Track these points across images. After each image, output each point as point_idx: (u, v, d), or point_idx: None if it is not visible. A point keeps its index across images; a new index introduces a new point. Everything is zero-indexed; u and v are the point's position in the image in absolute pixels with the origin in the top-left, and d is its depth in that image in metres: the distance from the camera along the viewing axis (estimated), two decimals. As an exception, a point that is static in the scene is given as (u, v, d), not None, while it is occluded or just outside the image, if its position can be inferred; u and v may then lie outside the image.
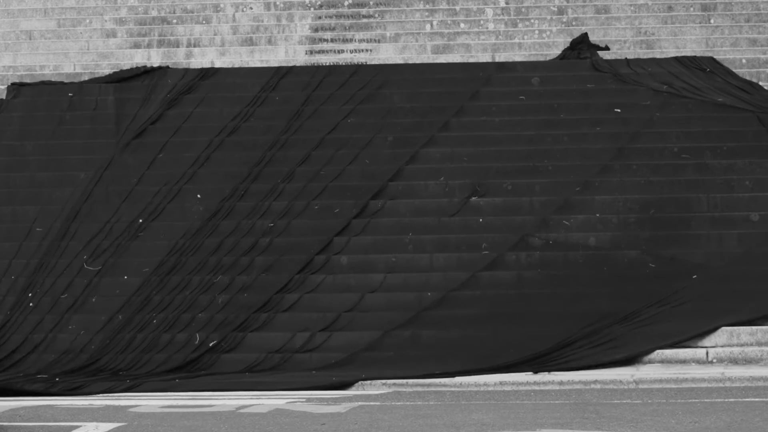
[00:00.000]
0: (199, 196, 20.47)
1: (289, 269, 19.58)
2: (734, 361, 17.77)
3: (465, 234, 19.96)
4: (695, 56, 22.69)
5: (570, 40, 23.92)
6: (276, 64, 23.66)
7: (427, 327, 18.70)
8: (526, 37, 24.29)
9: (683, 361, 17.82)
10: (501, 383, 16.78)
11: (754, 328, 18.15)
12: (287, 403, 15.37)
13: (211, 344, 18.43)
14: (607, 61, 22.57)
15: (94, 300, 19.44)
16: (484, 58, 23.51)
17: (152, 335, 18.76)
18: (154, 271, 19.65)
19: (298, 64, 23.50)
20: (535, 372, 17.24)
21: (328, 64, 23.55)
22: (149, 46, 24.58)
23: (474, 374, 17.26)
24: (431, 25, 24.75)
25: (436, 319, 18.77)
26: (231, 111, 22.01)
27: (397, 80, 22.49)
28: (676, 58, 22.72)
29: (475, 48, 23.93)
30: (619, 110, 21.29)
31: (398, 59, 23.63)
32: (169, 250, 19.95)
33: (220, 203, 20.56)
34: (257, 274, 19.55)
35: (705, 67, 22.29)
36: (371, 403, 15.14)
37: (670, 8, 24.65)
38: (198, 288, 19.42)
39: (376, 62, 23.44)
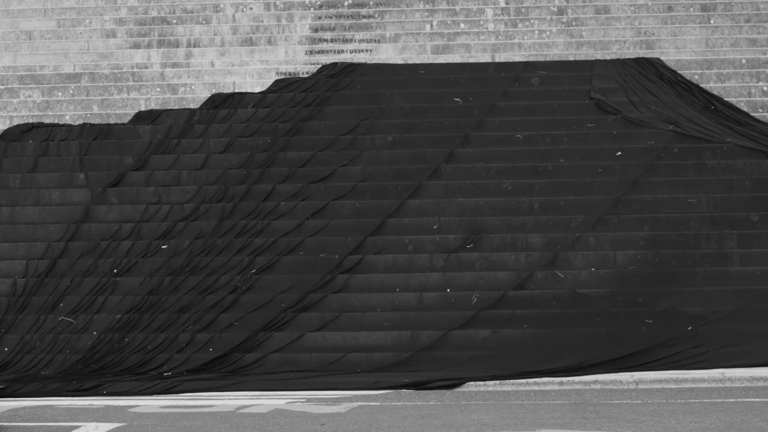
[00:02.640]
0: (164, 246, 20.15)
1: (328, 264, 19.41)
2: (734, 361, 17.79)
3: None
4: (702, 92, 22.04)
5: (570, 40, 23.90)
6: (276, 65, 23.66)
7: (487, 326, 18.46)
8: (526, 37, 24.28)
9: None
10: (501, 383, 16.78)
11: (754, 328, 18.19)
12: (287, 403, 15.37)
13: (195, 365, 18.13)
14: (609, 103, 21.93)
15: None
16: (484, 58, 23.50)
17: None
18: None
19: (298, 65, 23.50)
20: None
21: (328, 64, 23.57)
22: (149, 46, 24.58)
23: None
24: (431, 25, 24.73)
25: (493, 319, 18.56)
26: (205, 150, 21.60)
27: (397, 80, 22.53)
28: (678, 84, 22.22)
29: (475, 48, 23.91)
30: (620, 153, 20.88)
31: (398, 59, 23.61)
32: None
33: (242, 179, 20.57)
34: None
35: (711, 105, 21.83)
36: (371, 403, 15.15)
37: (670, 8, 24.64)
38: (224, 288, 19.26)
39: (376, 62, 23.44)
